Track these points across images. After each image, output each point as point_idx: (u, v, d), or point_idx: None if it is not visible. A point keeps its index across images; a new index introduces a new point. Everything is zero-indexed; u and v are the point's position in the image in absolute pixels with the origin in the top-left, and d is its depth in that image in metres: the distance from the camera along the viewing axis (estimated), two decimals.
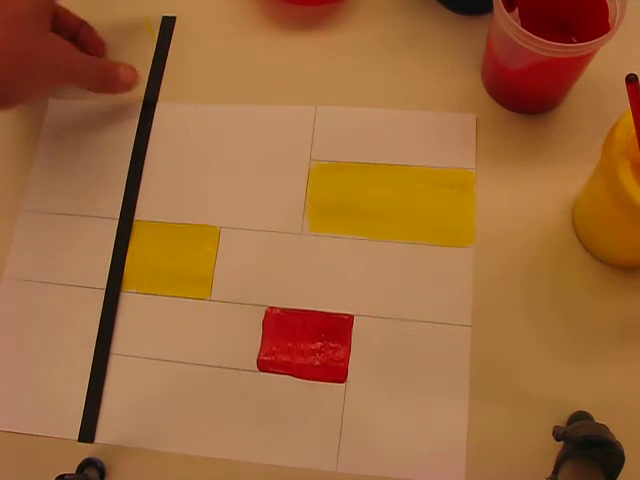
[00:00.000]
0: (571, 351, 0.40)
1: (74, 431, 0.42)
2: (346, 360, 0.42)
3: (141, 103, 0.49)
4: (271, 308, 0.43)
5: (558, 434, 0.36)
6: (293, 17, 0.50)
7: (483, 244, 0.43)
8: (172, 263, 0.45)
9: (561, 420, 0.39)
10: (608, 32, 0.36)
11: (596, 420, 0.38)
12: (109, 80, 0.46)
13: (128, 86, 0.47)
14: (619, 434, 0.35)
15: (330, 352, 0.42)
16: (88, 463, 0.41)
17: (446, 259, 0.43)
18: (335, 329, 0.42)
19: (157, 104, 0.49)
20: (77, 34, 0.48)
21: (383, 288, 0.43)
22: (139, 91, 0.49)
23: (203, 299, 0.44)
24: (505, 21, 0.37)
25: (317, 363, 0.42)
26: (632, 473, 0.35)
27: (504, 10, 0.37)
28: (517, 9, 0.41)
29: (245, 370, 0.42)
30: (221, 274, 0.44)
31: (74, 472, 0.41)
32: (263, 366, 0.42)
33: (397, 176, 0.45)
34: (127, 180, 0.47)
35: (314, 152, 0.46)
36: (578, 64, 0.40)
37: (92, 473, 0.40)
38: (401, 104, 0.47)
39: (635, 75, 0.31)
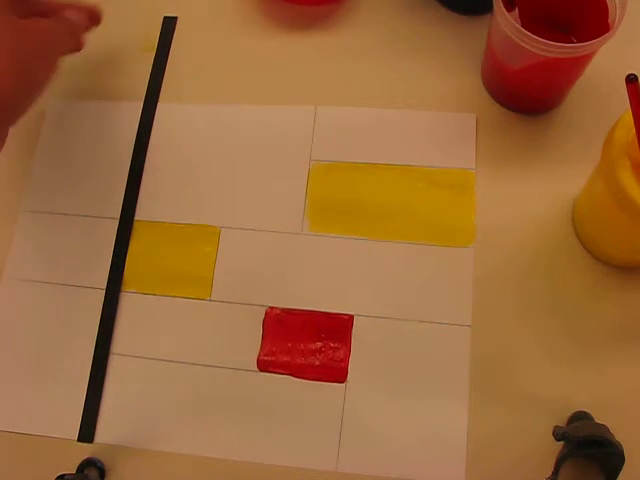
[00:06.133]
0: (571, 350, 0.40)
1: (74, 431, 0.42)
2: (346, 360, 0.42)
3: (141, 103, 0.49)
4: (271, 308, 0.43)
5: (558, 434, 0.36)
6: (293, 17, 0.51)
7: (483, 244, 0.43)
8: (172, 263, 0.45)
9: (561, 420, 0.39)
10: (608, 32, 0.36)
11: (596, 420, 0.38)
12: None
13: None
14: (619, 434, 0.35)
15: (330, 352, 0.42)
16: (88, 463, 0.41)
17: (446, 259, 0.43)
18: (335, 329, 0.42)
19: (157, 104, 0.49)
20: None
21: (383, 288, 0.43)
22: (140, 91, 0.49)
23: (203, 299, 0.44)
24: (505, 21, 0.38)
25: (317, 363, 0.42)
26: (632, 473, 0.35)
27: (504, 10, 0.37)
28: (517, 9, 0.41)
29: (245, 370, 0.42)
30: (221, 274, 0.44)
31: (74, 472, 0.41)
32: (263, 366, 0.42)
33: (397, 176, 0.45)
34: (127, 180, 0.47)
35: (314, 152, 0.46)
36: (578, 64, 0.40)
37: (92, 473, 0.41)
38: (401, 104, 0.47)
39: (635, 75, 0.31)
